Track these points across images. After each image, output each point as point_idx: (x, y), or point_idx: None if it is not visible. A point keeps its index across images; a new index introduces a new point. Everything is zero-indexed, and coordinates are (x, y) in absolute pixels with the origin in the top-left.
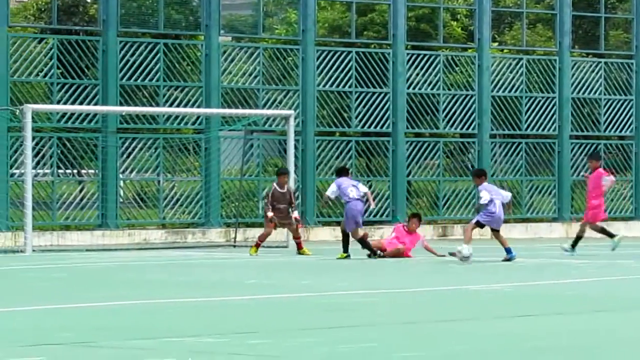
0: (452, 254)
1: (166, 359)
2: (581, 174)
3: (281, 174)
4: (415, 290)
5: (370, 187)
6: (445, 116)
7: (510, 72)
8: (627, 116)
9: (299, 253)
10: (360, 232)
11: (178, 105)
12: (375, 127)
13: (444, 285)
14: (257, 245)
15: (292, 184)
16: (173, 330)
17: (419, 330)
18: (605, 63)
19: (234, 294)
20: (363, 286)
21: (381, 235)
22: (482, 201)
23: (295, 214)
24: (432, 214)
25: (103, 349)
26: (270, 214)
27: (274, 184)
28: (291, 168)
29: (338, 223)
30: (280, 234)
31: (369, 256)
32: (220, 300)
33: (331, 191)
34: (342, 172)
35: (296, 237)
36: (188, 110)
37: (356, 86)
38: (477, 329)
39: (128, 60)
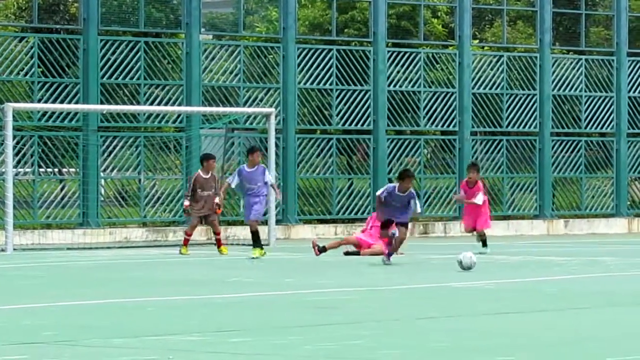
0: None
1: (147, 357)
2: (561, 171)
3: (206, 159)
4: (398, 287)
5: (351, 185)
6: (426, 114)
7: (491, 69)
8: (608, 113)
9: (219, 251)
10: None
11: (159, 104)
12: (357, 124)
13: (427, 282)
14: (186, 243)
15: (273, 181)
16: (154, 328)
17: (402, 327)
18: (586, 60)
19: (216, 292)
20: (346, 284)
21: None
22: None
23: (217, 200)
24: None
25: (85, 348)
26: (186, 203)
27: (199, 170)
28: (272, 166)
29: (320, 221)
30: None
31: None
32: (201, 299)
33: None
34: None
35: (216, 233)
36: (169, 108)
37: (337, 84)
38: (459, 326)
39: (109, 59)
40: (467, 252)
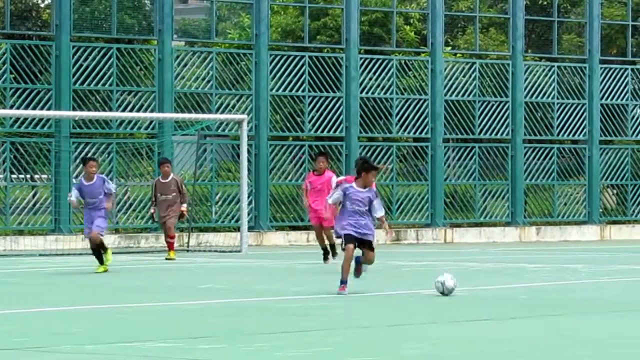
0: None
1: None
2: (534, 178)
3: (161, 164)
4: (370, 294)
5: None
6: (399, 120)
7: (464, 76)
8: (580, 120)
9: (167, 255)
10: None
11: (131, 110)
12: (329, 131)
13: (398, 289)
14: (171, 247)
15: (244, 187)
16: (126, 335)
17: (373, 334)
18: (559, 67)
19: (188, 298)
20: (318, 290)
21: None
22: None
23: (183, 207)
24: (386, 219)
25: (57, 354)
26: (152, 210)
27: (159, 176)
28: (244, 173)
29: (292, 227)
30: (233, 239)
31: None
32: (173, 305)
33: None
34: None
35: (169, 236)
36: (141, 115)
37: (309, 90)
38: (431, 333)
39: (81, 65)
40: (447, 274)
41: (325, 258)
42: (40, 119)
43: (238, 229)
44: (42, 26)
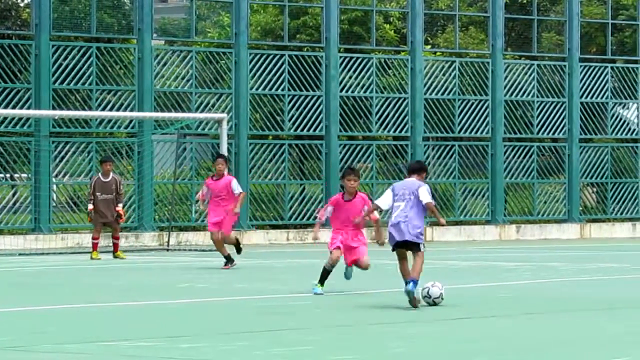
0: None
1: None
2: (514, 176)
3: (103, 162)
4: (350, 293)
5: (303, 191)
6: (379, 119)
7: (443, 74)
8: (560, 118)
9: (115, 256)
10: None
11: (111, 109)
12: (309, 130)
13: (379, 288)
14: (95, 247)
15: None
16: (106, 334)
17: (354, 332)
18: (538, 65)
19: (167, 297)
20: (298, 289)
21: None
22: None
23: (119, 207)
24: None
25: (37, 354)
26: (90, 206)
27: (99, 173)
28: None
29: (272, 226)
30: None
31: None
32: (153, 304)
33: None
34: None
35: (115, 237)
36: (121, 114)
37: (289, 89)
38: (413, 332)
39: (61, 64)
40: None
41: (231, 261)
42: (20, 118)
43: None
44: (21, 25)
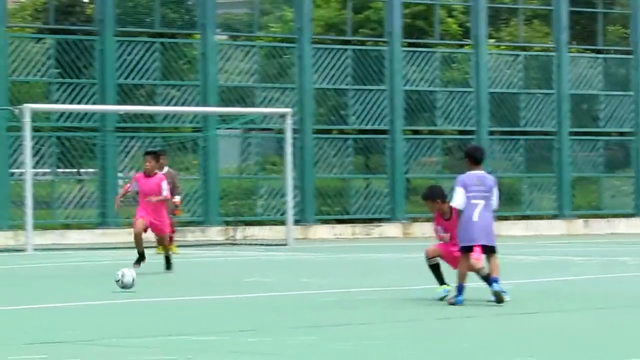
0: None
1: (166, 357)
2: (580, 170)
3: (158, 155)
4: (418, 287)
5: (368, 185)
6: (443, 113)
7: (508, 68)
8: (627, 112)
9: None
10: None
11: (175, 104)
12: (373, 124)
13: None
14: (171, 240)
15: (290, 180)
16: (173, 328)
17: (419, 327)
18: (604, 59)
19: (234, 292)
20: (364, 284)
21: (380, 233)
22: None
23: (176, 198)
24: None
25: (103, 347)
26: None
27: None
28: (289, 166)
29: (337, 221)
30: (279, 232)
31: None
32: (220, 299)
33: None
34: None
35: (170, 230)
36: (185, 109)
37: (353, 84)
38: (479, 326)
39: (125, 60)
40: (126, 269)
41: (138, 262)
42: (86, 114)
43: (284, 222)
44: (86, 21)
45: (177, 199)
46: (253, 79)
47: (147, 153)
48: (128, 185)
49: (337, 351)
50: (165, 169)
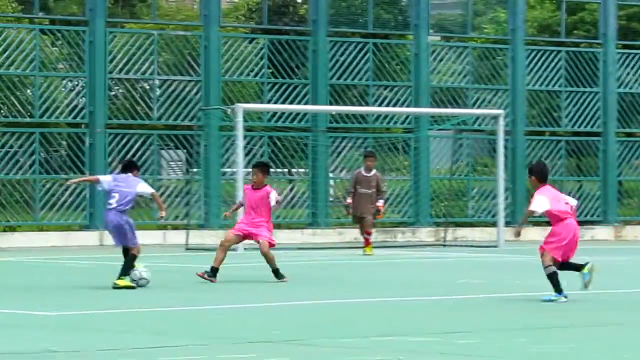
0: None
1: (376, 357)
2: None
3: (367, 157)
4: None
5: (580, 188)
6: None
7: None
8: None
9: (363, 252)
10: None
11: (387, 105)
12: (586, 126)
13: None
14: (367, 242)
15: (501, 182)
16: (383, 329)
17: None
18: None
19: (444, 293)
20: (573, 287)
21: (592, 236)
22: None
23: (380, 203)
24: None
25: (312, 347)
26: (348, 200)
27: (361, 168)
28: (501, 168)
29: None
30: (489, 234)
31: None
32: (430, 300)
33: None
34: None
35: (366, 232)
36: (397, 109)
37: (566, 85)
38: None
39: (337, 60)
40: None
41: (214, 275)
42: (298, 114)
43: (494, 224)
44: (299, 21)
45: (380, 202)
46: (465, 80)
47: (256, 166)
48: (238, 203)
49: (546, 355)
50: (373, 171)
